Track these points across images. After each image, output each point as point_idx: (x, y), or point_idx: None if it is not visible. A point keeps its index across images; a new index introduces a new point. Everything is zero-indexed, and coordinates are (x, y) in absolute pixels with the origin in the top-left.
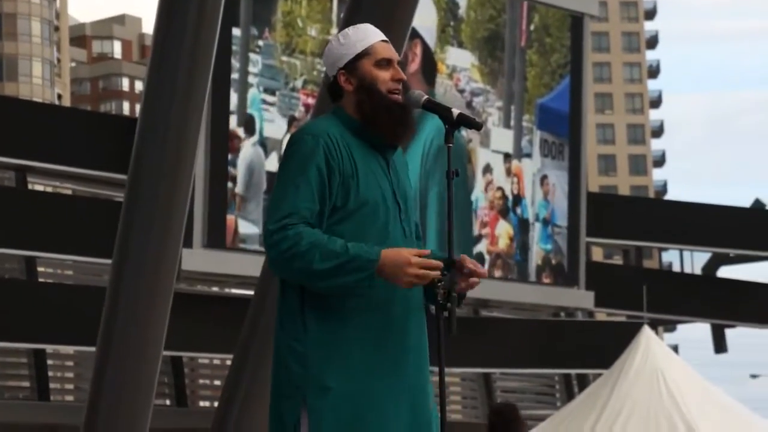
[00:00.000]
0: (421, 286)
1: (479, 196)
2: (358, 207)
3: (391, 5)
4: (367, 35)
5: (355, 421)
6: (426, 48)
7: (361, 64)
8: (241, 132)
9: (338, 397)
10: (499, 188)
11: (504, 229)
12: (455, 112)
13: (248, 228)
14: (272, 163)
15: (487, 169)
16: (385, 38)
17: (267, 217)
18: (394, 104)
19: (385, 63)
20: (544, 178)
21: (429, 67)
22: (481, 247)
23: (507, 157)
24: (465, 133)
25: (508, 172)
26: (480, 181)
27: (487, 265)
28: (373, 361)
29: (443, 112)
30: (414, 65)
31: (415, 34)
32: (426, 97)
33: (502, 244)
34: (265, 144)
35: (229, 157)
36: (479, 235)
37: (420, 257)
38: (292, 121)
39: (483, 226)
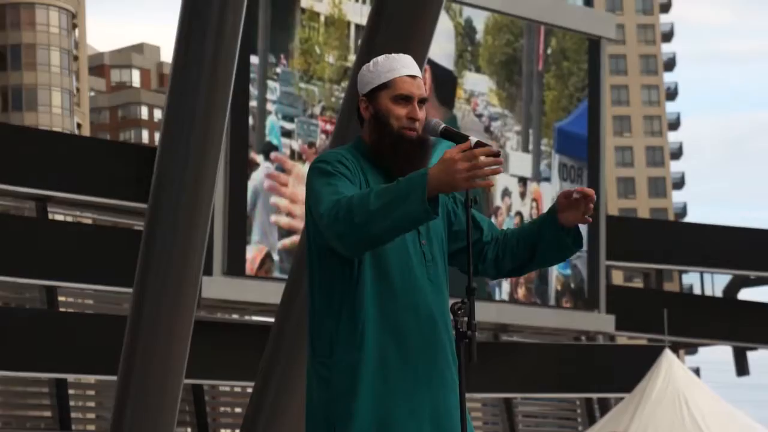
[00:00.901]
0: (445, 306)
1: (497, 220)
2: None
3: (408, 32)
4: (395, 67)
5: None
6: (437, 72)
7: (380, 96)
8: (260, 159)
9: (363, 422)
10: (518, 213)
11: None
12: (473, 140)
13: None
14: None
15: (506, 193)
16: (413, 73)
17: (320, 222)
18: (402, 141)
19: (403, 99)
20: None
21: (445, 91)
22: None
23: (522, 180)
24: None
25: (522, 195)
26: (497, 206)
27: (507, 289)
28: (396, 382)
29: (460, 140)
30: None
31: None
32: (443, 125)
33: None
34: (282, 170)
35: (249, 184)
36: None
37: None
38: (310, 147)
39: None
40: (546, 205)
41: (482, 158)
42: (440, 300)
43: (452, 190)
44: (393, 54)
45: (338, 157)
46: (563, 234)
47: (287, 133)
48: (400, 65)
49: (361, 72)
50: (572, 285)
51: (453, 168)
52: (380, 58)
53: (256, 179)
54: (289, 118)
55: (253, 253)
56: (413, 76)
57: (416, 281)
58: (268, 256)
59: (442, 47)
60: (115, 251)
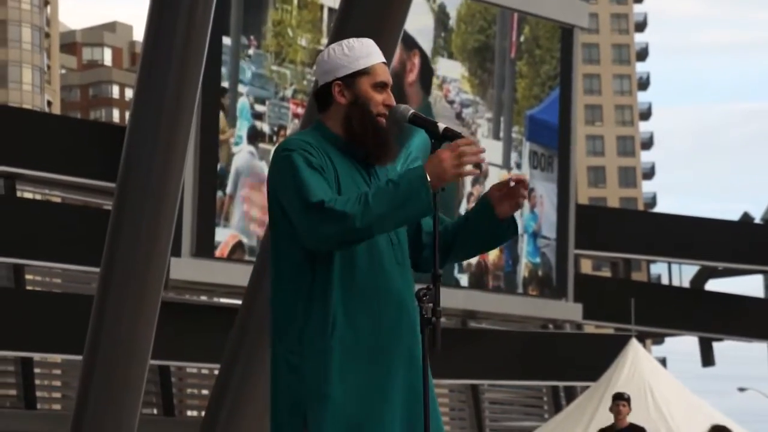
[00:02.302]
0: (412, 290)
1: (467, 207)
2: None
3: (382, 17)
4: (371, 53)
5: (353, 429)
6: (424, 58)
7: (360, 82)
8: (231, 139)
9: (337, 405)
10: None
11: None
12: (441, 126)
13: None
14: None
15: (477, 180)
16: (385, 60)
17: (301, 223)
18: (380, 128)
19: (381, 86)
20: (530, 191)
21: (426, 77)
22: (471, 258)
23: (476, 165)
24: None
25: (474, 182)
26: (467, 191)
27: (476, 277)
28: (368, 367)
29: (429, 126)
30: (412, 75)
31: (414, 45)
32: (412, 111)
33: (493, 255)
34: (254, 153)
35: (219, 166)
36: None
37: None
38: (280, 130)
39: None
40: None
41: (465, 148)
42: (409, 283)
43: (443, 183)
44: (363, 39)
45: (303, 144)
46: (503, 226)
47: (258, 116)
48: (375, 51)
49: (332, 54)
50: (540, 273)
51: (441, 162)
52: (353, 42)
53: (238, 161)
54: (260, 101)
55: (226, 237)
56: (385, 63)
57: (384, 265)
58: (239, 245)
59: (423, 35)
60: (83, 230)
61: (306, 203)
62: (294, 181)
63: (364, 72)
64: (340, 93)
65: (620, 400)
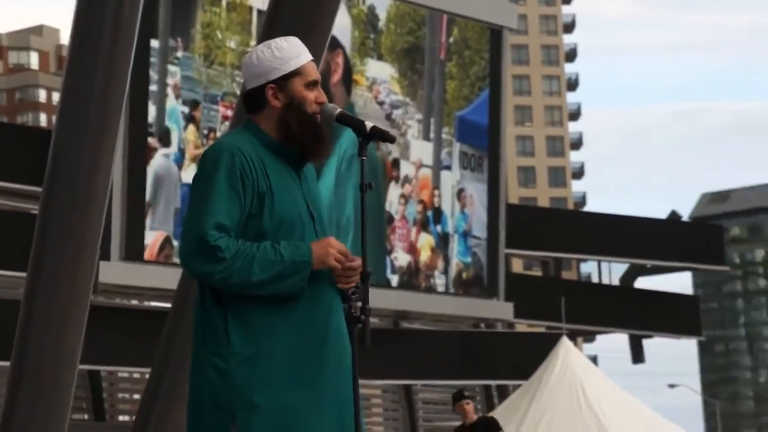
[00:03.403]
0: (341, 298)
1: (398, 208)
2: (275, 224)
3: (310, 18)
4: (300, 53)
5: None
6: (346, 58)
7: (293, 83)
8: (156, 143)
9: (266, 412)
10: (421, 201)
11: (426, 241)
12: (368, 125)
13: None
14: (189, 175)
15: (406, 180)
16: (312, 57)
17: (185, 234)
18: (318, 126)
19: (313, 84)
20: (461, 191)
21: (348, 77)
22: (403, 259)
23: (394, 162)
24: (385, 146)
25: (396, 179)
26: (397, 194)
27: (407, 277)
28: (297, 373)
29: (357, 125)
30: (336, 76)
31: (337, 45)
32: (339, 110)
33: (424, 256)
34: (183, 155)
35: (147, 168)
36: (391, 246)
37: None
38: (209, 132)
39: (402, 239)
40: (446, 194)
41: (352, 264)
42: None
43: (323, 266)
44: (290, 38)
45: (234, 150)
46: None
47: (187, 119)
48: (304, 50)
49: (262, 57)
50: (472, 272)
51: (328, 247)
52: (282, 43)
53: (155, 165)
54: (189, 103)
55: (152, 239)
56: (313, 60)
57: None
58: (167, 241)
59: (344, 34)
60: (11, 235)
61: (197, 227)
62: (204, 194)
63: (296, 73)
64: (274, 96)
65: (462, 399)
